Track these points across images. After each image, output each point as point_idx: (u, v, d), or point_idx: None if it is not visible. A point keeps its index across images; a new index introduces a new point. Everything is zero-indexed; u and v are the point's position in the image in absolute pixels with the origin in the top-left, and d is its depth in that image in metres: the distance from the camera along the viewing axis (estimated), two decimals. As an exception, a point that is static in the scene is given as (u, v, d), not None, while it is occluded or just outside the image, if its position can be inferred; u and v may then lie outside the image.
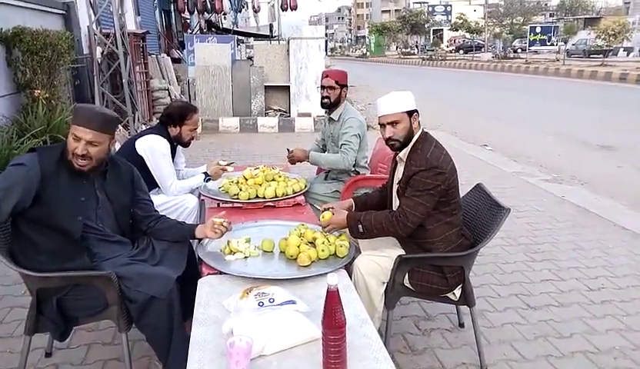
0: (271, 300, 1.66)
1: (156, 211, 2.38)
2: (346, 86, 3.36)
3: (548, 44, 30.82)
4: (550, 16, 51.21)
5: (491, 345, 2.59)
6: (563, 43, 32.69)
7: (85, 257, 2.03)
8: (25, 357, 2.11)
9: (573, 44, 32.69)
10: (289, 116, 9.74)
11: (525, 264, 3.58)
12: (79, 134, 1.97)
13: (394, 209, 2.35)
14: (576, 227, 4.32)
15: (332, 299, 1.40)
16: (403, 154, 2.30)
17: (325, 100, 3.33)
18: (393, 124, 2.23)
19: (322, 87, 3.34)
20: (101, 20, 8.11)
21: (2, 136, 4.84)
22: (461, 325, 2.76)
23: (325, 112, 3.48)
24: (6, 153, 4.57)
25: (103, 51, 7.93)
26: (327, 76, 3.34)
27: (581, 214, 4.63)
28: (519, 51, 35.59)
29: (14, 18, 6.18)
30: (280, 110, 9.95)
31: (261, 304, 1.65)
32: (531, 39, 31.89)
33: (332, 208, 2.45)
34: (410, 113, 2.24)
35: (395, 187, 2.37)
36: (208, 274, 2.04)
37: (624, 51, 28.71)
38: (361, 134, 3.30)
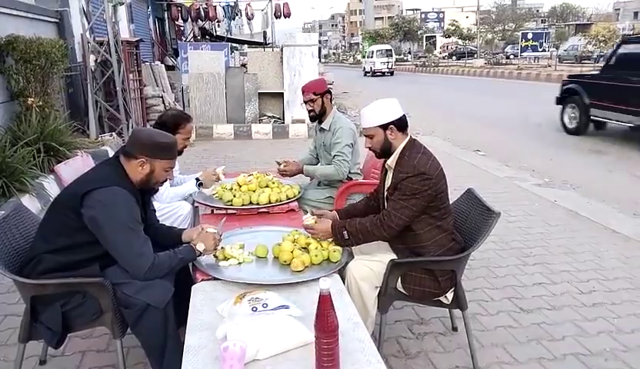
0: (265, 305, 1.68)
1: (157, 220, 2.42)
2: (328, 92, 3.36)
3: (540, 50, 31.01)
4: (542, 22, 51.63)
5: (484, 348, 2.62)
6: (555, 49, 32.98)
7: (96, 266, 2.02)
8: (19, 364, 2.11)
9: (564, 50, 33.02)
10: (283, 123, 9.77)
11: (517, 268, 3.61)
12: (172, 165, 2.20)
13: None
14: (568, 230, 4.36)
15: (325, 303, 1.42)
16: (391, 161, 2.35)
17: (311, 113, 3.39)
18: (369, 136, 2.35)
19: (305, 102, 3.39)
20: (94, 28, 8.13)
21: (-4, 144, 4.84)
22: (455, 329, 2.78)
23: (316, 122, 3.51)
24: (-1, 161, 4.58)
25: (96, 59, 7.93)
26: (304, 91, 3.38)
27: (573, 218, 4.67)
28: (512, 56, 35.78)
29: (7, 27, 6.20)
30: (274, 116, 9.98)
31: (254, 309, 1.66)
32: (522, 45, 32.07)
33: (320, 217, 2.46)
34: (385, 126, 2.28)
35: (385, 194, 2.40)
36: (202, 280, 2.05)
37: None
38: (354, 143, 3.34)
